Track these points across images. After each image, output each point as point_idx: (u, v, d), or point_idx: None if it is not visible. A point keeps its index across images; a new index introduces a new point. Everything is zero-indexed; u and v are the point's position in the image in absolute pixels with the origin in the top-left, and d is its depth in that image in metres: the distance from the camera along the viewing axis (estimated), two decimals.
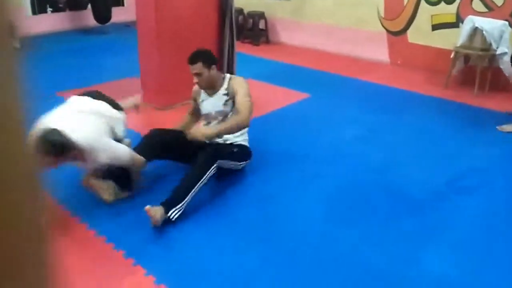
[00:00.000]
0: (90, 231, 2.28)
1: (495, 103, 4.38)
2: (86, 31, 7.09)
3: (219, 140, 2.78)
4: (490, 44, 4.59)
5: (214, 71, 2.75)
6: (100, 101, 2.59)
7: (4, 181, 0.38)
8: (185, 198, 2.37)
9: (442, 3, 5.21)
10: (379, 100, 4.42)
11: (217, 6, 4.19)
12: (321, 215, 2.49)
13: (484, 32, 4.61)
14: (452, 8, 5.15)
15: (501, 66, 4.57)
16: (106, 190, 2.49)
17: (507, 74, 4.58)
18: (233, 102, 2.75)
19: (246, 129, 2.85)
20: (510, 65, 4.51)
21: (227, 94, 2.78)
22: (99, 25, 7.11)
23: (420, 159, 3.20)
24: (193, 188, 2.41)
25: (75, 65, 5.30)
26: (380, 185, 2.82)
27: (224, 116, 2.80)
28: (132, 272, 2.01)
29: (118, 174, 2.53)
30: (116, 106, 2.70)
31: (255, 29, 6.72)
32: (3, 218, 0.38)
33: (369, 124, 3.81)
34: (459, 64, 4.88)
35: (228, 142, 2.80)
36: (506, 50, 4.51)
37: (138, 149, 2.62)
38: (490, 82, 4.70)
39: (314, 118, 3.95)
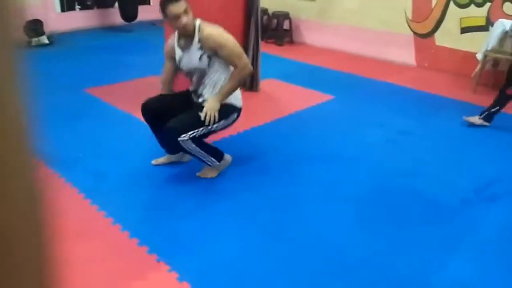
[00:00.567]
0: (114, 226, 2.31)
1: None
2: (113, 29, 7.21)
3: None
4: None
5: (191, 13, 2.54)
6: None
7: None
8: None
9: (472, 6, 5.09)
10: (405, 103, 4.35)
11: (243, 6, 4.21)
12: (347, 219, 2.47)
13: None
14: (482, 11, 5.03)
15: None
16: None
17: None
18: (209, 58, 2.55)
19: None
20: None
21: (201, 48, 2.54)
22: (126, 23, 7.21)
23: (447, 164, 3.14)
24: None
25: (102, 62, 5.40)
26: (407, 190, 2.77)
27: (201, 73, 2.61)
28: (155, 268, 2.03)
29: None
30: None
31: (279, 29, 6.70)
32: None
33: (395, 127, 3.75)
34: (488, 68, 4.76)
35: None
36: None
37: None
38: None
39: (338, 120, 3.91)
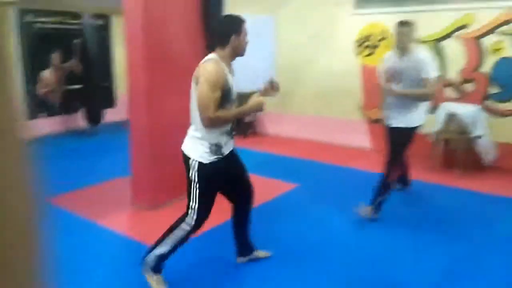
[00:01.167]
0: None
1: (480, 184, 4.47)
2: (78, 133, 7.30)
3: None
4: (467, 128, 4.82)
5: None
6: None
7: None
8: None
9: None
10: (367, 187, 4.48)
11: None
12: None
13: (459, 117, 4.87)
14: None
15: (479, 148, 4.77)
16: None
17: (485, 156, 4.75)
18: None
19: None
20: (487, 146, 4.72)
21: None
22: (91, 126, 7.34)
23: (412, 247, 3.18)
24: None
25: (66, 168, 5.36)
26: (380, 278, 2.76)
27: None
28: None
29: None
30: None
31: (242, 123, 6.99)
32: None
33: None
34: (440, 148, 5.07)
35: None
36: (482, 133, 4.73)
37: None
38: (472, 164, 4.85)
39: (303, 209, 3.96)
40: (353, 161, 5.37)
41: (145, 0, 3.59)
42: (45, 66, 6.75)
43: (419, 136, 5.34)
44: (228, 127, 2.55)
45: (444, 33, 5.25)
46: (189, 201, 2.57)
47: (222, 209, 2.81)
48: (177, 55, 3.99)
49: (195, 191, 2.52)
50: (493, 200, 4.08)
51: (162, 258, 2.57)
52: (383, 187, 3.56)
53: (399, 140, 3.53)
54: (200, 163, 2.48)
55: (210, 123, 2.38)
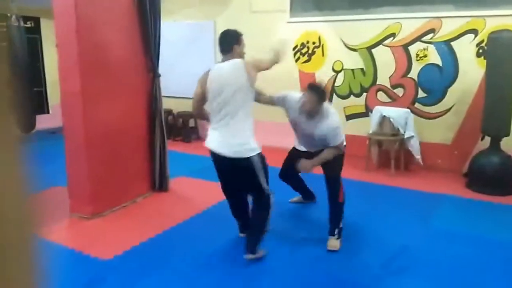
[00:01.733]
0: None
1: (411, 183, 4.80)
2: None
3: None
4: (398, 130, 5.15)
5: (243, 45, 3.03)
6: None
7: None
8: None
9: (351, 96, 5.85)
10: (314, 189, 4.64)
11: (146, 110, 4.34)
12: None
13: (391, 119, 5.19)
14: (361, 100, 5.79)
15: (410, 148, 5.11)
16: None
17: (416, 156, 5.11)
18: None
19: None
20: (418, 147, 5.07)
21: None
22: (23, 133, 6.90)
23: (351, 243, 3.34)
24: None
25: None
26: (323, 273, 2.87)
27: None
28: None
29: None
30: None
31: (185, 127, 6.94)
32: None
33: (302, 210, 3.95)
34: (374, 149, 5.37)
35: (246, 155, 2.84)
36: (412, 134, 5.08)
37: None
38: (404, 163, 5.19)
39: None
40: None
41: (75, 1, 3.46)
42: None
43: (356, 138, 5.65)
44: None
45: (375, 41, 5.57)
46: (259, 185, 2.93)
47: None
48: (112, 59, 3.89)
49: (261, 175, 2.91)
50: (423, 196, 4.39)
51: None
52: (340, 212, 3.32)
53: (336, 164, 3.37)
54: (259, 153, 2.90)
55: None
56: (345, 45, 5.78)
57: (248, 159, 2.83)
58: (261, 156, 2.91)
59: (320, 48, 5.96)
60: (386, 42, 5.51)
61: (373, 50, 5.61)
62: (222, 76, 2.84)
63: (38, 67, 7.48)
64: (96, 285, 2.73)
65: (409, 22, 5.33)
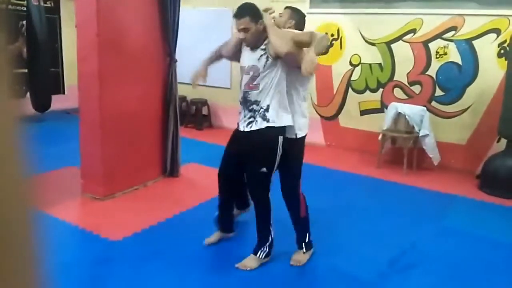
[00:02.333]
0: None
1: (423, 181, 4.75)
2: (24, 120, 6.92)
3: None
4: (413, 127, 5.09)
5: (261, 26, 2.63)
6: None
7: None
8: (265, 237, 2.75)
9: (368, 91, 5.79)
10: (318, 181, 4.63)
11: (161, 95, 4.36)
12: None
13: (406, 117, 5.12)
14: (377, 95, 5.73)
15: (424, 147, 5.05)
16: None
17: (430, 155, 5.05)
18: (267, 59, 2.59)
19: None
20: (432, 145, 5.01)
21: (264, 50, 2.62)
22: (38, 113, 6.99)
23: (360, 239, 3.33)
24: (268, 223, 2.75)
25: None
26: (327, 268, 2.87)
27: (255, 71, 2.62)
28: None
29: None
30: None
31: (198, 115, 6.95)
32: None
33: (311, 204, 3.94)
34: (387, 146, 5.32)
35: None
36: (428, 132, 5.02)
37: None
38: (417, 161, 5.14)
39: None
40: (306, 157, 5.49)
41: None
42: None
43: (369, 133, 5.61)
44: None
45: (394, 36, 5.49)
46: None
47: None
48: (131, 42, 3.91)
49: None
50: (435, 196, 4.35)
51: None
52: (304, 226, 2.96)
53: (295, 164, 2.98)
54: None
55: None
56: (364, 39, 5.70)
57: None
58: None
59: (339, 40, 5.89)
60: (406, 37, 5.42)
61: (392, 45, 5.53)
62: None
63: (56, 47, 7.53)
64: (104, 265, 2.77)
65: (430, 19, 5.23)
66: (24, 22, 6.67)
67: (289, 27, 2.78)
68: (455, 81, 5.19)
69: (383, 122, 5.34)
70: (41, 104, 6.93)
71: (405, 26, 5.40)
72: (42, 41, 6.93)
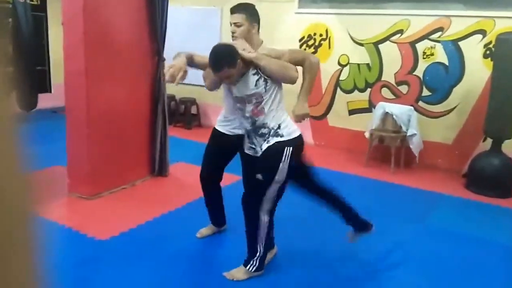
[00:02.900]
0: None
1: (410, 180, 4.79)
2: None
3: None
4: (401, 127, 5.14)
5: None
6: None
7: None
8: (255, 250, 2.59)
9: (356, 91, 5.82)
10: None
11: (150, 94, 4.33)
12: None
13: (394, 116, 5.17)
14: (365, 95, 5.77)
15: (411, 146, 5.10)
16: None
17: (416, 154, 5.10)
18: (265, 81, 2.40)
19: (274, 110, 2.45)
20: (418, 145, 5.06)
21: (256, 73, 2.40)
22: (24, 112, 6.89)
23: (346, 237, 3.34)
24: (256, 237, 2.55)
25: None
26: (316, 265, 2.88)
27: (258, 97, 2.41)
28: None
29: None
30: None
31: (187, 114, 6.92)
32: None
33: (298, 204, 3.95)
34: (375, 145, 5.37)
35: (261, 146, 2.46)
36: (415, 132, 5.07)
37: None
38: (404, 161, 5.19)
39: None
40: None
41: None
42: None
43: (357, 133, 5.64)
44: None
45: (382, 37, 5.53)
46: None
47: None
48: (118, 40, 3.87)
49: None
50: (421, 194, 4.40)
51: None
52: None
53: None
54: None
55: None
56: (352, 39, 5.74)
57: None
58: None
59: (327, 41, 5.92)
60: (393, 38, 5.47)
61: (380, 46, 5.57)
62: None
63: (43, 45, 7.44)
64: (90, 264, 2.74)
65: (418, 19, 5.28)
66: (10, 20, 6.57)
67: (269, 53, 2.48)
68: (441, 81, 5.26)
69: (371, 121, 5.38)
70: (27, 102, 6.83)
71: (393, 26, 5.45)
72: (28, 39, 6.84)
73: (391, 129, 5.22)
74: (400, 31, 5.41)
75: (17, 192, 0.41)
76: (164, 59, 4.33)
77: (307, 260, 2.95)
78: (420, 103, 5.41)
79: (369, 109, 5.72)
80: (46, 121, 6.80)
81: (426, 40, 5.27)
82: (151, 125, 4.38)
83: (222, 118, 2.98)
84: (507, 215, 4.00)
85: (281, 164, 2.40)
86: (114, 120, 3.92)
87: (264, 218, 2.53)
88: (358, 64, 5.75)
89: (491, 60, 4.77)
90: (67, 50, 3.66)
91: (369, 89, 5.74)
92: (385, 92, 5.63)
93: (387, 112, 5.25)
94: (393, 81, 5.57)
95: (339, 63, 5.88)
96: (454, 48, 5.13)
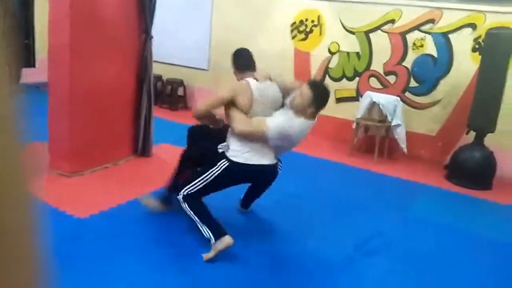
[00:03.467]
0: None
1: (393, 170, 4.84)
2: None
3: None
4: (386, 117, 5.16)
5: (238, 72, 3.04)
6: None
7: None
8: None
9: (344, 79, 5.82)
10: (290, 166, 4.64)
11: (135, 72, 4.25)
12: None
13: (380, 106, 5.19)
14: (353, 84, 5.77)
15: (396, 136, 5.14)
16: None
17: (400, 144, 5.14)
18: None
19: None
20: (403, 136, 5.10)
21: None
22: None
23: (329, 223, 3.38)
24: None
25: None
26: (296, 250, 2.90)
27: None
28: None
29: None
30: None
31: (173, 95, 6.85)
32: None
33: (285, 189, 3.96)
34: (360, 134, 5.39)
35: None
36: (400, 122, 5.10)
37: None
38: (388, 151, 5.23)
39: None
40: None
41: None
42: None
43: (344, 121, 5.65)
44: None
45: (373, 26, 5.51)
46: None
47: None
48: (105, 16, 3.78)
49: None
50: (403, 184, 4.45)
51: None
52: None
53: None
54: None
55: None
56: (344, 27, 5.71)
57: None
58: None
59: (318, 27, 5.88)
60: (384, 27, 5.45)
61: (371, 35, 5.55)
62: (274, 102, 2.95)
63: (28, 18, 7.23)
64: (70, 242, 2.71)
65: (410, 10, 5.27)
66: None
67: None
68: (429, 73, 5.28)
69: (357, 110, 5.39)
70: (11, 77, 6.66)
71: (385, 16, 5.43)
72: (13, 10, 6.62)
73: (376, 118, 5.25)
74: (392, 21, 5.40)
75: (14, 167, 0.40)
76: (152, 37, 4.25)
77: (288, 244, 2.97)
78: (407, 94, 5.43)
79: (356, 98, 5.73)
80: (30, 96, 6.64)
81: (416, 31, 5.27)
82: (136, 105, 4.31)
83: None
84: (485, 207, 4.08)
85: (213, 170, 2.76)
86: (98, 97, 3.85)
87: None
88: (348, 53, 5.73)
89: (479, 54, 4.79)
90: (52, 23, 3.56)
91: (357, 78, 5.74)
92: (373, 81, 5.64)
93: (374, 102, 5.26)
94: (381, 71, 5.57)
95: (329, 51, 5.85)
96: (444, 40, 5.14)
